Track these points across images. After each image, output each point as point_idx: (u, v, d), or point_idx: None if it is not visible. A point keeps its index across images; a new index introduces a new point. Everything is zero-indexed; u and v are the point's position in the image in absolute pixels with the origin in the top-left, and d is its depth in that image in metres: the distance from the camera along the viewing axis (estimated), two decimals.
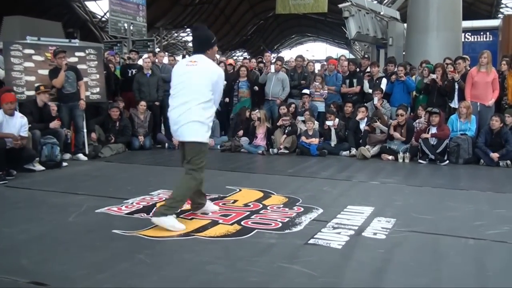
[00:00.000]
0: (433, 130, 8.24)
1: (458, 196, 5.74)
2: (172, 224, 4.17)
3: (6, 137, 6.57)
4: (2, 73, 8.59)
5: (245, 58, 12.44)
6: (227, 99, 10.33)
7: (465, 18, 16.71)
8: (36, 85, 8.07)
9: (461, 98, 8.68)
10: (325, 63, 11.70)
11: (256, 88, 10.33)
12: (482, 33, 19.48)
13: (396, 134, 8.52)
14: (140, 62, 11.06)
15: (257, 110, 9.82)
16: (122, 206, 5.05)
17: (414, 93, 9.78)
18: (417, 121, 8.91)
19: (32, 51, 8.62)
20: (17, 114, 6.88)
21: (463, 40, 16.93)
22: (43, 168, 7.26)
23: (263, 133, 9.49)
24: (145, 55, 11.92)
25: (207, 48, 4.41)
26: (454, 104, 8.91)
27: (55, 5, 26.16)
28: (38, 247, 3.81)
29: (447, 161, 8.07)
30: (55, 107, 8.25)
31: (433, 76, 9.05)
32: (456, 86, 8.85)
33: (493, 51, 9.09)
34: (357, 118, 9.09)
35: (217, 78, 4.34)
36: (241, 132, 9.71)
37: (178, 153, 4.63)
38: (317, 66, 12.70)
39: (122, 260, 3.50)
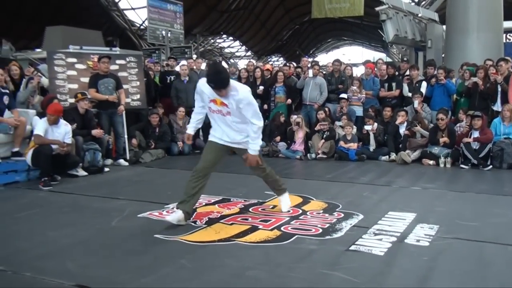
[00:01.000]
0: (475, 134, 8.04)
1: (503, 202, 5.59)
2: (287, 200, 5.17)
3: (53, 143, 6.76)
4: (46, 81, 8.86)
5: (285, 65, 12.42)
6: (265, 106, 10.33)
7: (506, 18, 16.25)
8: (75, 93, 8.26)
9: (504, 101, 8.44)
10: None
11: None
12: None
13: (443, 140, 8.30)
14: (177, 68, 11.21)
15: (296, 115, 9.78)
16: (163, 211, 5.12)
17: (455, 96, 9.58)
18: (458, 125, 8.72)
19: (74, 60, 8.86)
20: (62, 121, 7.05)
21: (504, 41, 16.48)
22: (85, 173, 7.44)
23: (301, 138, 9.45)
24: (183, 62, 12.07)
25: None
26: (497, 107, 8.67)
27: (94, 14, 26.77)
28: (83, 251, 3.90)
29: (490, 166, 7.85)
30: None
31: (475, 79, 8.85)
32: (499, 89, 8.61)
33: None
34: (397, 122, 8.96)
35: None
36: (278, 138, 9.70)
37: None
38: (355, 70, 12.59)
39: (164, 265, 3.55)
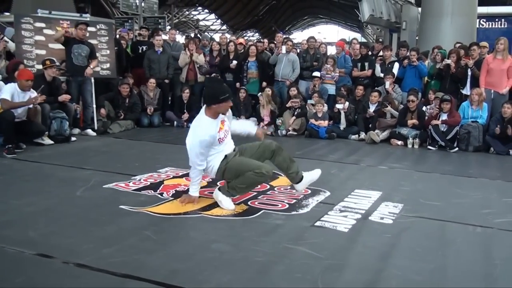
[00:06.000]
0: (444, 116, 8.15)
1: (466, 183, 5.70)
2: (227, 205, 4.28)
3: (23, 105, 6.61)
4: (13, 46, 8.59)
5: (259, 41, 12.32)
6: (238, 84, 10.19)
7: (480, 3, 16.44)
8: (42, 60, 8.01)
9: (474, 85, 8.55)
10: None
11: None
12: (497, 19, 19.18)
13: (412, 121, 8.40)
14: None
15: (260, 93, 9.76)
16: (129, 182, 5.07)
17: (426, 78, 9.68)
18: (427, 106, 8.82)
19: (43, 25, 8.61)
20: None
21: (477, 26, 16.68)
22: (52, 142, 7.28)
23: (267, 115, 9.41)
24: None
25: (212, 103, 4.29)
26: (466, 91, 8.79)
27: None
28: (45, 220, 3.83)
29: (457, 148, 7.99)
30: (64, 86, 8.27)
31: (448, 61, 8.92)
32: (469, 73, 8.73)
33: (508, 38, 8.90)
34: (370, 103, 9.02)
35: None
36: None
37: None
38: (329, 49, 12.56)
39: (128, 236, 3.51)
